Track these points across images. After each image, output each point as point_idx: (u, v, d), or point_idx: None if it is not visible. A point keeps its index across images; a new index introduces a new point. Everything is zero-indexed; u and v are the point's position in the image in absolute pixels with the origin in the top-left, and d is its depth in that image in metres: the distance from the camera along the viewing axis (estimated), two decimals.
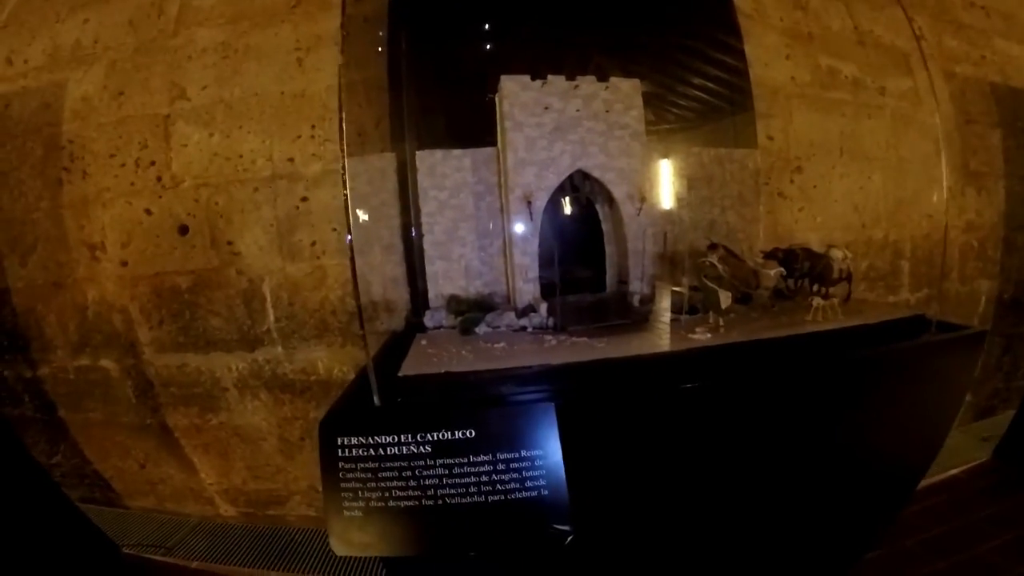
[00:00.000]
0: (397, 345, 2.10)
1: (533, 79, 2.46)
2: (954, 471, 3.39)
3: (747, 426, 1.72)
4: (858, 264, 3.61)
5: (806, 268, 2.50)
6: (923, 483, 3.09)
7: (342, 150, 1.47)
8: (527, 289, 2.44)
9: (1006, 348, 4.14)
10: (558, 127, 2.45)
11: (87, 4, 3.28)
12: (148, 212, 3.10)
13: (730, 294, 2.15)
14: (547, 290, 2.50)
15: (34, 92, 3.24)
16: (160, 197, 3.09)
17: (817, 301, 2.27)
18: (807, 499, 1.93)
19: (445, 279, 2.64)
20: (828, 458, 1.93)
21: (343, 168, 1.50)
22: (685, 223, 2.85)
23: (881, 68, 3.67)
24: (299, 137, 3.05)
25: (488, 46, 2.71)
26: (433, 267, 2.64)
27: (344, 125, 1.50)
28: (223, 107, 3.09)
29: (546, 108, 2.44)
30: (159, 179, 3.10)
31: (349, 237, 1.56)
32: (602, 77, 2.51)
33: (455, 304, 2.48)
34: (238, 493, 3.33)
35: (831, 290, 2.53)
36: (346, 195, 1.50)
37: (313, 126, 3.07)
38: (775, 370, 1.83)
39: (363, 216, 2.90)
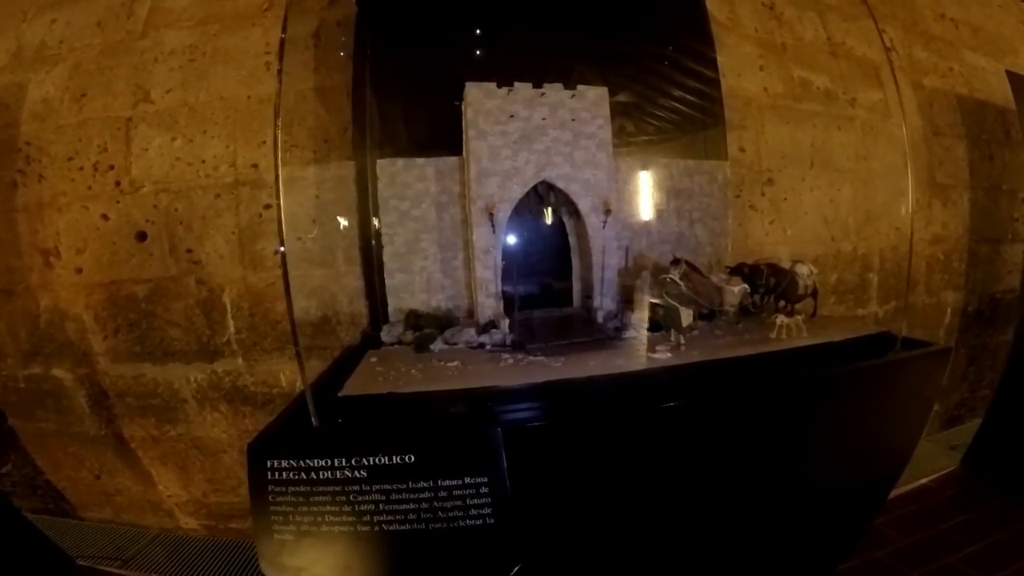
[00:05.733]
0: (348, 361, 2.04)
1: (499, 86, 2.42)
2: (924, 480, 3.41)
3: (705, 446, 1.69)
4: (827, 277, 3.62)
5: (771, 284, 2.49)
6: (894, 493, 3.09)
7: (276, 160, 1.42)
8: (489, 304, 2.40)
9: (971, 359, 4.18)
10: (523, 136, 2.41)
11: (56, 4, 3.18)
12: (105, 217, 3.00)
13: (691, 311, 2.11)
14: (512, 305, 2.46)
15: None
16: (118, 202, 3.00)
17: (781, 319, 2.24)
18: (776, 515, 1.92)
19: (406, 292, 2.59)
20: (794, 474, 1.91)
21: (276, 178, 1.45)
22: (653, 236, 2.83)
23: (852, 79, 3.69)
24: (264, 143, 2.98)
25: (455, 52, 2.66)
26: (393, 280, 2.58)
27: (279, 134, 1.45)
28: (187, 111, 3.02)
29: (511, 116, 2.40)
30: (118, 184, 3.00)
31: (282, 249, 1.49)
32: (569, 85, 2.48)
33: (414, 319, 2.41)
34: (199, 506, 3.24)
35: (797, 306, 2.52)
36: (279, 204, 1.43)
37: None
38: (734, 390, 1.80)
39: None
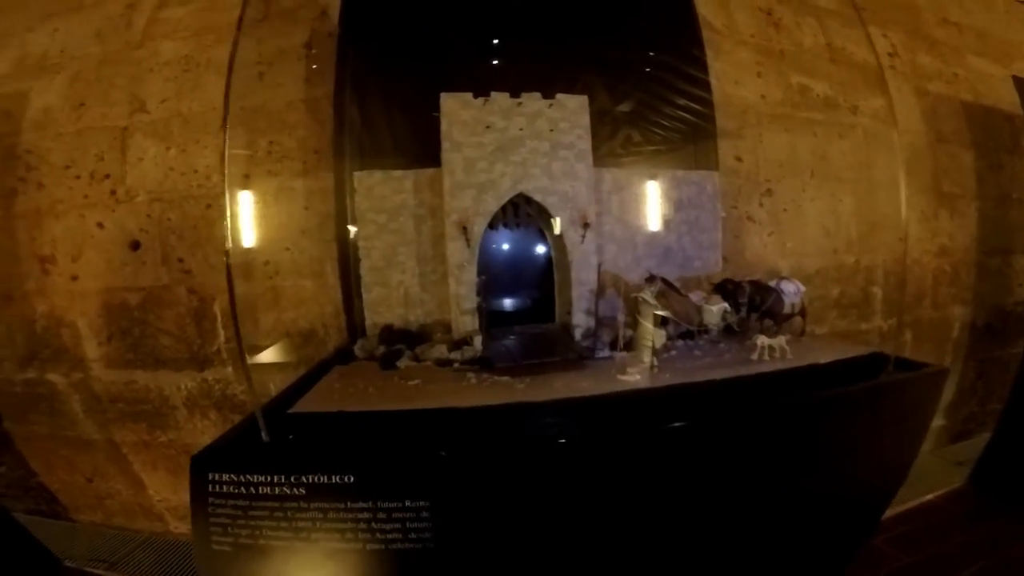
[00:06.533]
0: (316, 376, 2.04)
1: (476, 96, 2.39)
2: (929, 496, 3.29)
3: (668, 474, 1.61)
4: (829, 291, 3.53)
5: (755, 302, 2.41)
6: (896, 510, 3.00)
7: (223, 173, 1.43)
8: (464, 320, 2.36)
9: (980, 373, 4.03)
10: (500, 147, 2.37)
11: (58, 13, 3.26)
12: (100, 226, 3.06)
13: (664, 332, 2.05)
14: (492, 320, 2.42)
15: None
16: (113, 211, 3.06)
17: (762, 339, 2.15)
18: (753, 542, 1.84)
19: (383, 306, 2.56)
20: (771, 501, 1.81)
21: (225, 187, 1.48)
22: (638, 250, 2.77)
23: (854, 86, 3.59)
24: (255, 153, 3.01)
25: (436, 63, 2.64)
26: (370, 294, 2.56)
27: (227, 145, 1.47)
28: (181, 121, 3.06)
29: (487, 127, 2.36)
30: (113, 192, 3.06)
31: (228, 262, 1.51)
32: (548, 94, 2.43)
33: (387, 334, 2.40)
34: (189, 511, 3.26)
35: (784, 325, 2.44)
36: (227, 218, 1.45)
37: (271, 142, 3.04)
38: (703, 416, 1.71)
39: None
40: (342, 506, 1.29)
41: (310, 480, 1.30)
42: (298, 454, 1.37)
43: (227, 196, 1.54)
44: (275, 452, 1.38)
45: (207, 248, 3.00)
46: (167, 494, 3.24)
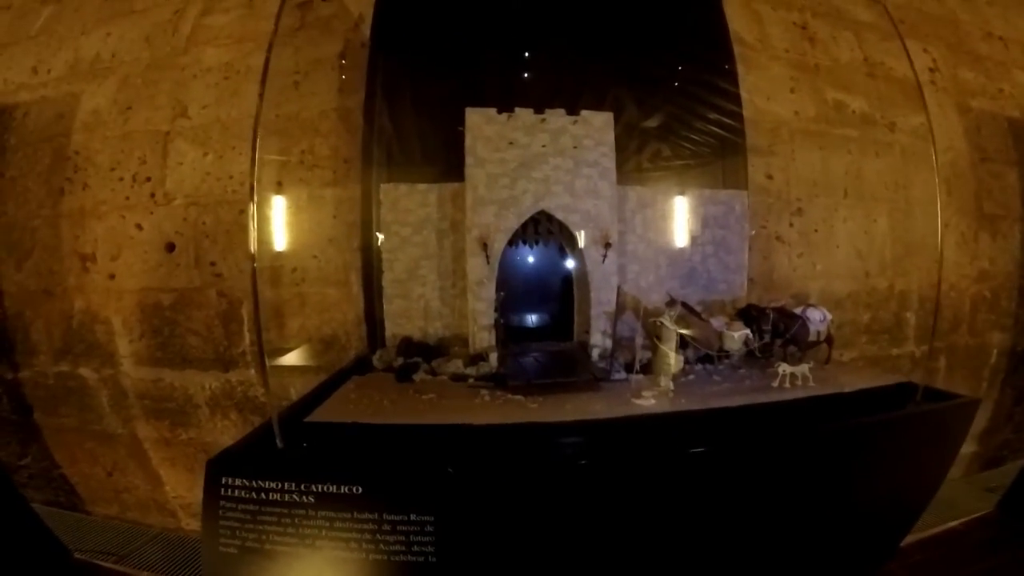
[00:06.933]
0: (334, 384, 2.07)
1: (500, 112, 2.39)
2: (953, 523, 3.12)
3: (676, 499, 1.58)
4: (859, 316, 3.42)
5: (779, 329, 2.36)
6: (918, 536, 2.87)
7: (252, 181, 1.48)
8: (482, 336, 2.36)
9: (1017, 399, 3.83)
10: (523, 163, 2.37)
11: (111, 18, 3.41)
12: (139, 227, 3.17)
13: (682, 357, 2.02)
14: (510, 336, 2.41)
15: (51, 102, 3.38)
16: (152, 213, 3.16)
17: (783, 367, 2.10)
18: (769, 568, 1.80)
19: (404, 318, 2.58)
20: (782, 531, 1.76)
21: (252, 195, 1.52)
22: (661, 271, 2.73)
23: (892, 102, 3.48)
24: (288, 161, 3.08)
25: (463, 77, 2.66)
26: (391, 306, 2.58)
27: (257, 152, 1.51)
28: (219, 127, 3.15)
29: (510, 143, 2.36)
30: (152, 195, 3.17)
31: (254, 265, 1.57)
32: (573, 109, 2.42)
33: (404, 346, 2.42)
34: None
35: (808, 353, 2.39)
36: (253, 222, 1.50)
37: (303, 151, 3.10)
38: (716, 443, 1.67)
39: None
40: (348, 516, 1.31)
41: (319, 489, 1.32)
42: (309, 463, 1.40)
43: (253, 202, 1.56)
44: (287, 460, 1.42)
45: (238, 253, 3.07)
46: (182, 491, 3.30)
